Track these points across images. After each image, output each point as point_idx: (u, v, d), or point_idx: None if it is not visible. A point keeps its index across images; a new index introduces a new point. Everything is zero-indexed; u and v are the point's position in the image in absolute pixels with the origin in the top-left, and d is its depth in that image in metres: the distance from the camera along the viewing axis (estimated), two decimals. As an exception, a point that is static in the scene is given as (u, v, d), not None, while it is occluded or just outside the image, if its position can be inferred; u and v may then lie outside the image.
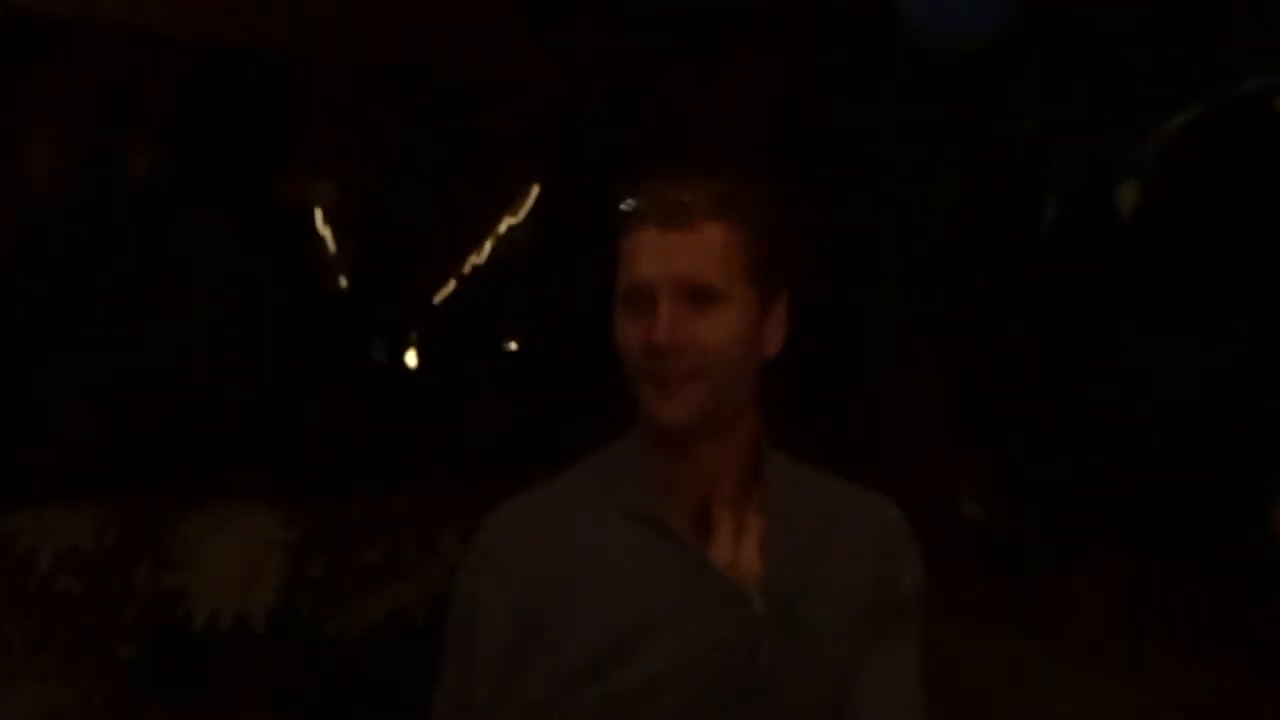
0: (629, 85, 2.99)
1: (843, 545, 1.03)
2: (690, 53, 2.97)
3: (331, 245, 6.48)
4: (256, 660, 2.48)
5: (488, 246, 6.58)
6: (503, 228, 5.93)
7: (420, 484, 2.89)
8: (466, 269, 7.27)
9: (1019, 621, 2.27)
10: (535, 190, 5.13)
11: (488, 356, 7.36)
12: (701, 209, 0.94)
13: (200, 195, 4.12)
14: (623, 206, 0.98)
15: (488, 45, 3.06)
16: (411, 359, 7.87)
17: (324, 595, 2.60)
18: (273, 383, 4.73)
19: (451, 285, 7.99)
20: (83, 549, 2.53)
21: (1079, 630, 2.18)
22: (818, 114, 2.88)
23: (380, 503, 2.79)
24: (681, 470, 1.01)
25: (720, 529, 0.99)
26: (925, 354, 2.81)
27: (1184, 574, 2.10)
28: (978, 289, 2.71)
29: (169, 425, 3.58)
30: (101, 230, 3.77)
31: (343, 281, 7.24)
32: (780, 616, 0.97)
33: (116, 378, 3.68)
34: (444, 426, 5.28)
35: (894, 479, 1.23)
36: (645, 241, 0.95)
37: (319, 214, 5.97)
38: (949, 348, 2.76)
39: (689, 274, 0.94)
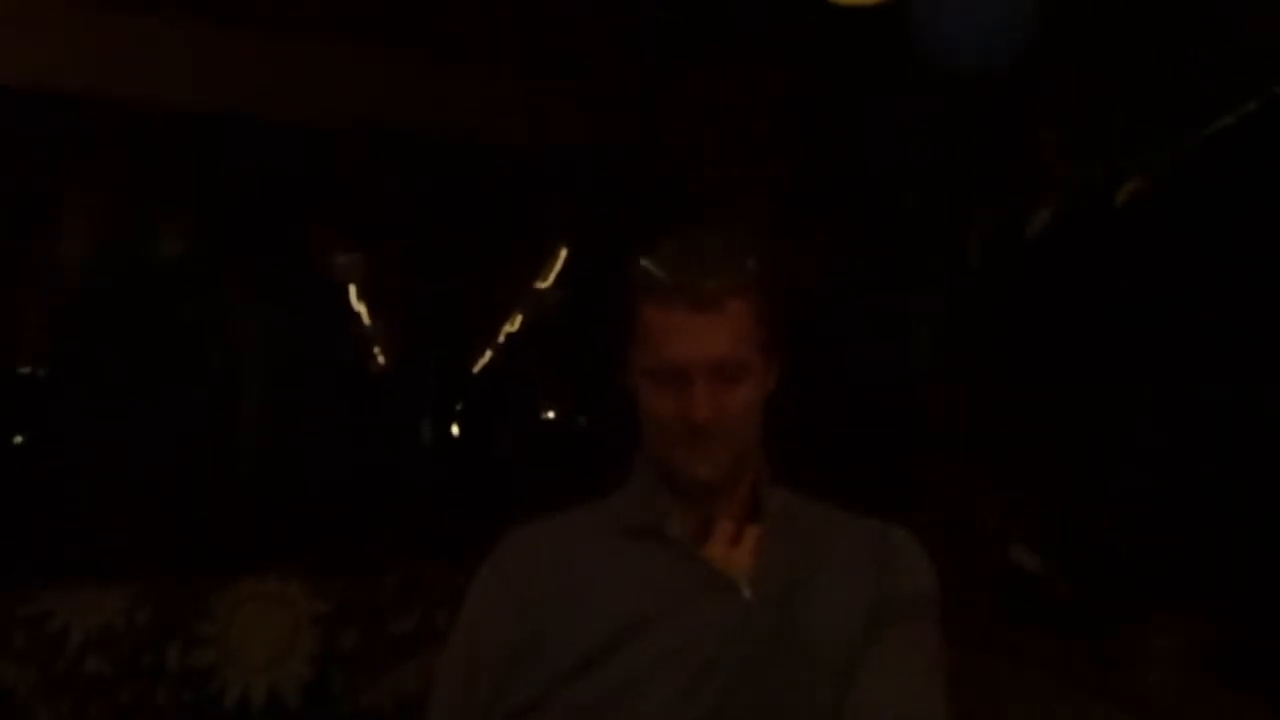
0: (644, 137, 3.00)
1: (838, 556, 1.09)
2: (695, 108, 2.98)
3: (366, 319, 6.55)
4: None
5: (520, 313, 6.61)
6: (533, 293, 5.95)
7: (454, 555, 2.84)
8: (501, 338, 7.30)
9: (1085, 679, 2.16)
10: (563, 253, 5.14)
11: (524, 425, 7.35)
12: (727, 289, 1.02)
13: (226, 276, 4.17)
14: (642, 280, 1.05)
15: (502, 114, 3.09)
16: (453, 430, 7.89)
17: (357, 667, 2.54)
18: (305, 459, 4.73)
19: (487, 355, 8.03)
20: (114, 628, 2.49)
21: (1150, 688, 2.06)
22: (841, 161, 2.87)
23: (413, 573, 2.73)
24: (687, 499, 1.10)
25: (716, 536, 1.08)
26: (969, 403, 2.74)
27: (1262, 628, 1.98)
28: (1018, 333, 2.64)
29: (199, 505, 3.58)
30: (129, 311, 3.82)
31: (379, 355, 7.30)
32: (772, 614, 1.02)
33: (146, 459, 3.70)
34: (481, 497, 5.24)
35: (942, 531, 1.22)
36: (676, 323, 1.02)
37: (352, 290, 6.04)
38: (994, 396, 2.69)
39: (723, 355, 1.02)
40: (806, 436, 1.16)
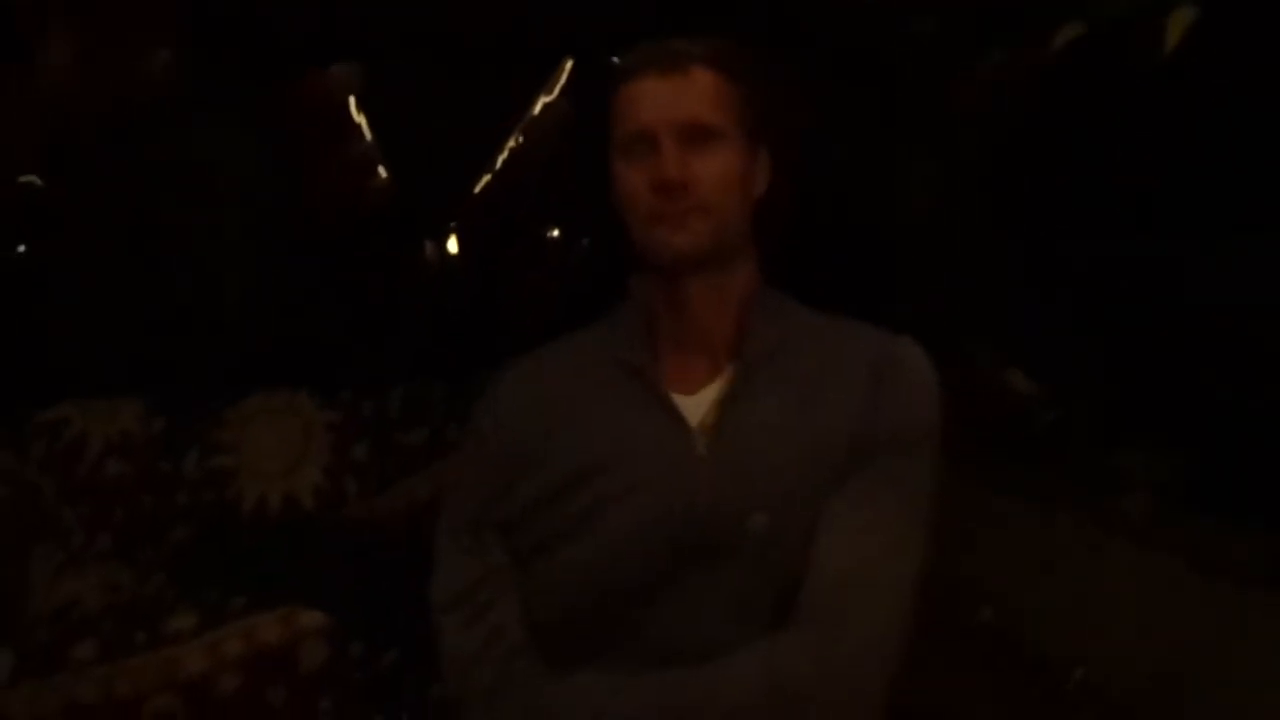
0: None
1: (825, 385, 1.05)
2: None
3: (368, 133, 6.39)
4: (306, 539, 2.52)
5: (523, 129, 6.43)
6: (537, 108, 5.78)
7: (462, 371, 2.88)
8: (504, 154, 7.14)
9: (1069, 498, 2.24)
10: (568, 65, 4.95)
11: (527, 243, 7.31)
12: (693, 57, 1.04)
13: (229, 91, 4.04)
14: (618, 71, 1.06)
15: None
16: (453, 246, 7.84)
17: (369, 476, 2.63)
18: (313, 277, 4.72)
19: (488, 175, 7.88)
20: (131, 435, 2.57)
21: (1129, 506, 2.14)
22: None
23: (421, 389, 2.79)
24: (673, 321, 1.09)
25: (692, 372, 1.08)
26: (965, 238, 2.73)
27: (1235, 448, 2.05)
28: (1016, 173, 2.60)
29: (209, 325, 3.60)
30: (127, 132, 3.72)
31: (381, 171, 7.17)
32: (730, 460, 1.01)
33: (157, 279, 3.69)
34: (486, 315, 5.28)
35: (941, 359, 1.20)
36: (644, 89, 1.04)
37: (352, 102, 5.86)
38: (992, 230, 2.68)
39: (687, 115, 1.02)
40: (799, 277, 1.13)
